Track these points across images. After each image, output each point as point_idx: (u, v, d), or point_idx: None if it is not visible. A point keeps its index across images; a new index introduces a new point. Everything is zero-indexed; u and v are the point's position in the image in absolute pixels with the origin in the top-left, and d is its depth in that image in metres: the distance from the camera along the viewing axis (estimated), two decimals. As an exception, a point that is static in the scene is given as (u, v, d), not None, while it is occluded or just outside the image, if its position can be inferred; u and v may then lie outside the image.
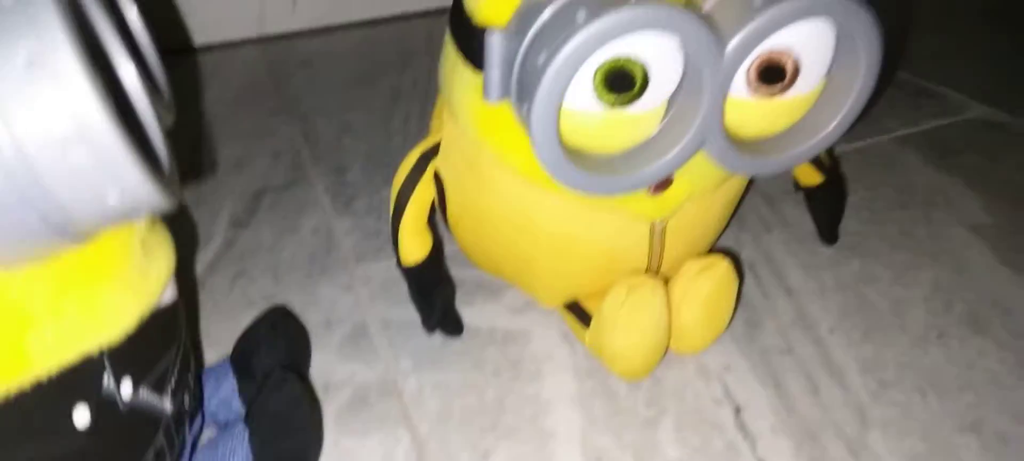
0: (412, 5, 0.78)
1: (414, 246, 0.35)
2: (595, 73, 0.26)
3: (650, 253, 0.33)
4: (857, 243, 0.42)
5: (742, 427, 0.32)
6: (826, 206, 0.42)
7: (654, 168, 0.28)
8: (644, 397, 0.33)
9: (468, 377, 0.35)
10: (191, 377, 0.28)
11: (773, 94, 0.28)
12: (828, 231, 0.42)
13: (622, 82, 0.26)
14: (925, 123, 0.54)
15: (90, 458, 0.22)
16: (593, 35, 0.24)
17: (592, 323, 0.34)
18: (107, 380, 0.22)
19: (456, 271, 0.41)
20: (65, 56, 0.17)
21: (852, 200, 0.46)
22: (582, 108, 0.27)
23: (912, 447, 0.30)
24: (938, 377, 0.34)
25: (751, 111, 0.29)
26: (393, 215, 0.35)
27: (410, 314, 0.38)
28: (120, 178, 0.18)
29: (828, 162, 0.40)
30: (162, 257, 0.25)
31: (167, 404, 0.25)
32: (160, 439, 0.25)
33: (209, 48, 0.70)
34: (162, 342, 0.26)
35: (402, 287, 0.39)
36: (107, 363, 0.22)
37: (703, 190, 0.32)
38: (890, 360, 0.35)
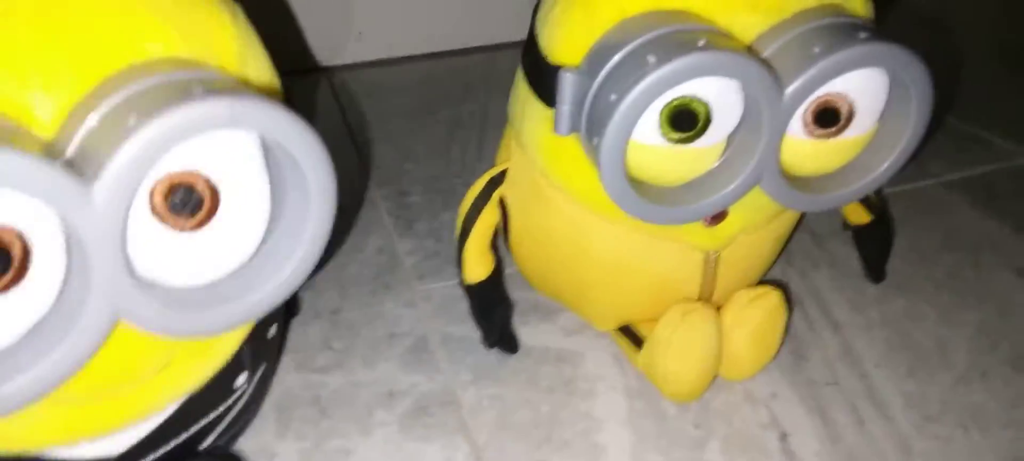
0: (471, 40, 0.81)
1: (478, 266, 0.37)
2: (661, 111, 0.28)
3: (703, 282, 0.35)
4: (903, 282, 0.43)
5: (788, 452, 0.33)
6: (874, 245, 0.43)
7: (712, 201, 0.30)
8: (693, 419, 0.35)
9: (524, 393, 0.37)
10: None
11: (828, 136, 0.30)
12: (875, 269, 0.43)
13: (686, 121, 0.28)
14: (973, 168, 0.55)
15: None
16: (662, 78, 0.26)
17: (645, 345, 0.35)
18: None
19: (515, 293, 0.43)
20: None
21: (899, 241, 0.47)
22: (648, 142, 0.29)
23: (955, 480, 0.31)
24: (980, 414, 0.34)
25: (806, 151, 0.30)
26: (460, 235, 0.37)
27: (469, 330, 0.40)
28: None
29: (876, 202, 0.41)
30: (45, 420, 0.23)
31: None
32: None
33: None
34: None
35: (461, 305, 0.41)
36: None
37: (756, 224, 0.34)
38: (934, 396, 0.36)
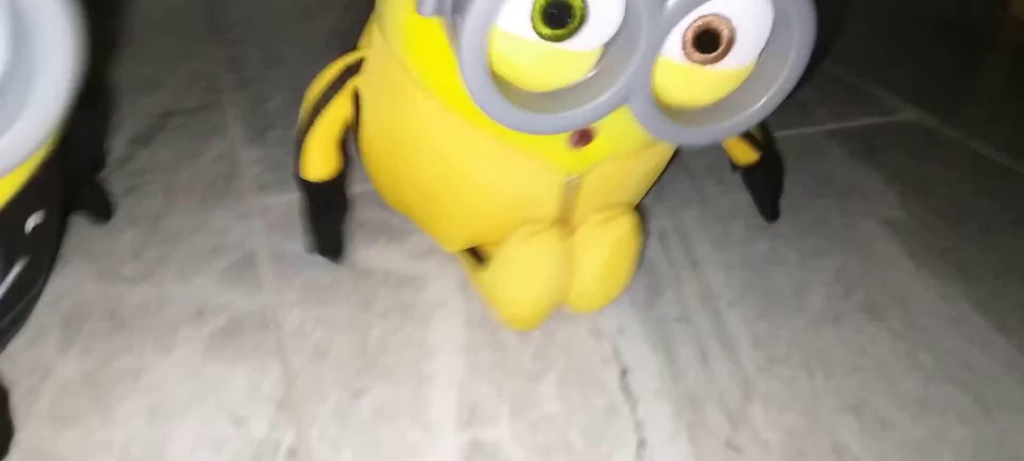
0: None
1: (319, 162, 0.33)
2: (534, 2, 0.25)
3: (561, 207, 0.32)
4: (769, 226, 0.42)
5: (626, 389, 0.31)
6: (764, 184, 0.42)
7: (577, 113, 0.27)
8: (532, 350, 0.32)
9: (354, 316, 0.33)
10: None
11: (705, 62, 0.28)
12: (769, 209, 0.42)
13: (560, 15, 0.25)
14: (856, 120, 0.54)
15: None
16: None
17: (487, 265, 0.33)
18: None
19: (364, 212, 0.39)
20: None
21: (773, 184, 0.45)
22: (516, 33, 0.26)
23: (792, 422, 0.30)
24: (827, 358, 0.33)
25: (681, 77, 0.28)
26: (304, 125, 0.33)
27: (301, 250, 0.36)
28: None
29: (763, 139, 0.40)
30: None
31: None
32: None
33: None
34: None
35: (299, 221, 0.37)
36: None
37: (624, 152, 0.31)
38: (783, 338, 0.34)
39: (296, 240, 0.37)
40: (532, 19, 0.26)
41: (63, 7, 0.19)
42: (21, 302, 0.26)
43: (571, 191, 0.32)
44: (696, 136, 0.29)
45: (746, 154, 0.40)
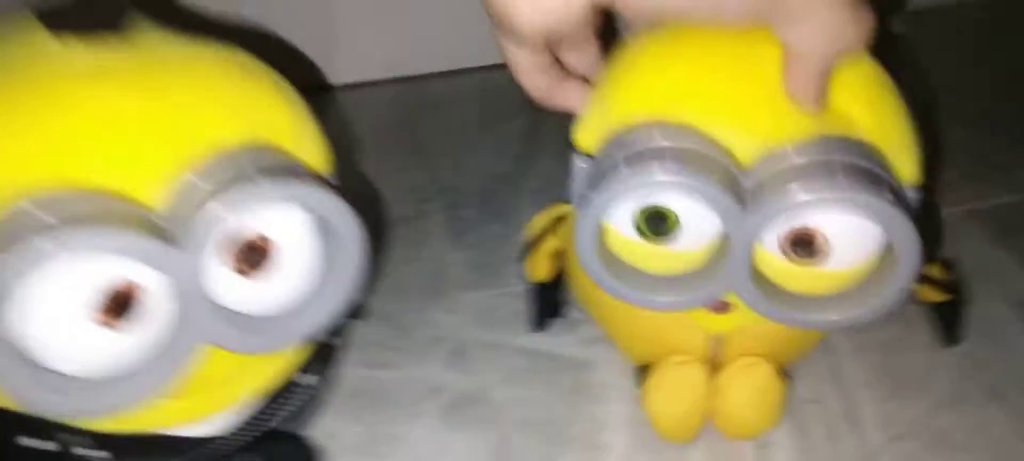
0: (529, 53, 0.87)
1: (540, 270, 0.44)
2: (635, 212, 0.33)
3: (709, 356, 0.38)
4: (903, 310, 0.47)
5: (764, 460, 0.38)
6: (948, 316, 0.44)
7: (689, 298, 0.33)
8: (686, 426, 0.40)
9: (544, 395, 0.43)
10: None
11: (805, 263, 0.32)
12: (950, 337, 0.44)
13: (657, 223, 0.33)
14: (997, 198, 0.57)
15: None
16: (626, 186, 0.31)
17: (645, 382, 0.40)
18: (86, 444, 0.30)
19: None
20: None
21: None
22: (626, 235, 0.34)
23: (910, 493, 0.36)
24: (947, 437, 0.39)
25: (786, 271, 0.33)
26: (526, 247, 0.44)
27: (501, 337, 0.46)
28: None
29: (949, 281, 0.42)
30: (173, 408, 0.30)
31: None
32: None
33: (349, 87, 0.82)
34: (163, 451, 0.31)
35: (496, 314, 0.48)
36: (89, 437, 0.30)
37: (763, 321, 0.35)
38: (907, 418, 0.40)
39: (493, 331, 0.47)
40: (636, 224, 0.33)
41: (358, 226, 0.30)
42: (326, 393, 0.38)
43: (718, 346, 0.38)
44: (807, 321, 0.34)
45: (934, 296, 0.43)
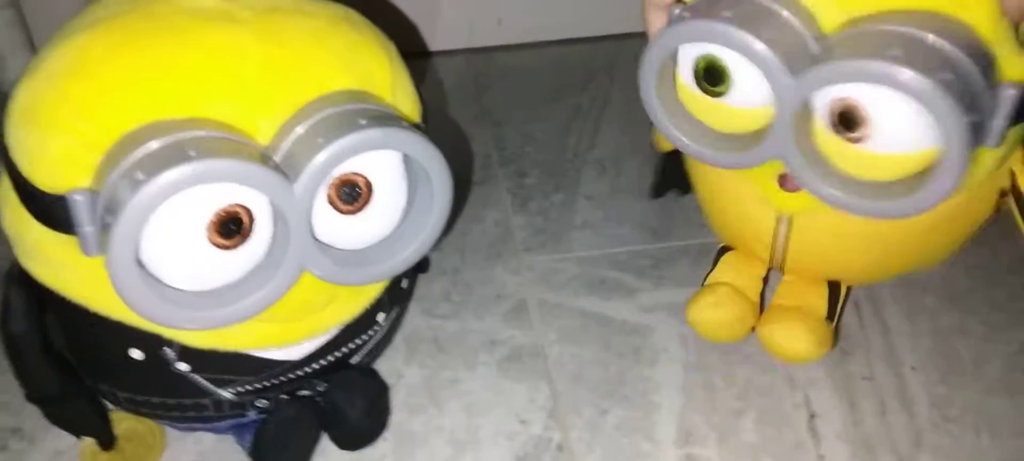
0: (598, 29, 0.88)
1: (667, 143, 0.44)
2: (696, 64, 0.33)
3: (774, 243, 0.39)
4: (962, 298, 0.47)
5: (812, 430, 0.39)
6: None
7: (734, 158, 0.34)
8: (736, 392, 0.42)
9: (599, 354, 0.45)
10: (288, 395, 0.36)
11: (851, 140, 0.32)
12: None
13: (712, 75, 0.33)
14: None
15: (138, 373, 0.33)
16: (684, 28, 0.32)
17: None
18: (168, 352, 0.32)
19: (600, 272, 0.51)
20: None
21: (973, 260, 0.50)
22: (690, 85, 0.35)
23: (956, 472, 0.37)
24: (997, 422, 0.39)
25: (837, 148, 0.32)
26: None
27: (561, 298, 0.48)
28: None
29: None
30: (267, 330, 0.33)
31: (225, 394, 0.34)
32: (206, 401, 0.34)
33: (424, 54, 0.85)
34: (241, 371, 0.34)
35: (557, 277, 0.50)
36: (177, 347, 0.32)
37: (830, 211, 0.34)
38: (958, 401, 0.40)
39: (554, 292, 0.49)
40: (696, 73, 0.34)
41: (448, 173, 0.32)
42: (394, 333, 0.41)
43: (784, 229, 0.39)
44: (850, 204, 0.32)
45: None
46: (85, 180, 0.29)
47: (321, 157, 0.29)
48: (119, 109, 0.29)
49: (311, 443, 0.38)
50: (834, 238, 0.38)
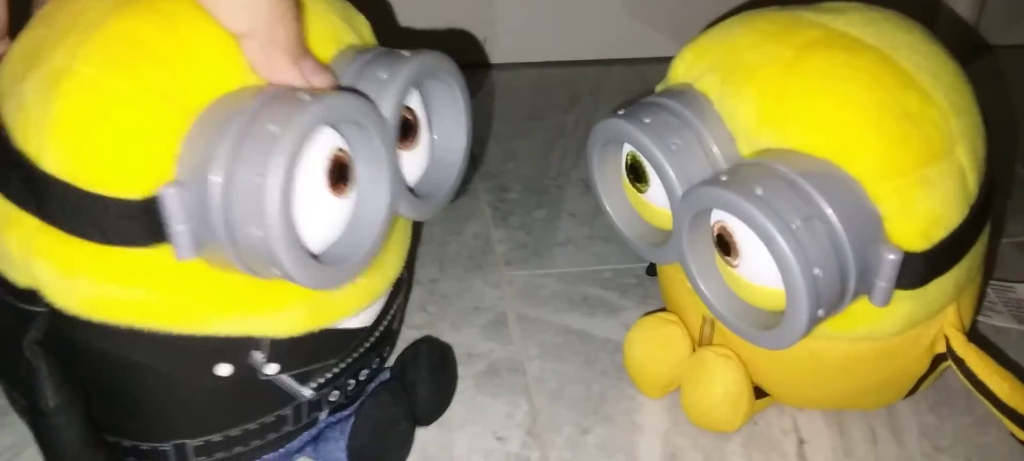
0: (584, 53, 0.87)
1: None
2: (627, 155, 0.35)
3: (701, 337, 0.39)
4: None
5: (802, 456, 0.38)
6: None
7: (644, 248, 0.37)
8: (722, 416, 0.40)
9: (581, 372, 0.43)
10: (354, 380, 0.35)
11: (726, 261, 0.32)
12: None
13: (635, 170, 0.35)
14: (1053, 233, 0.56)
15: (220, 397, 0.31)
16: (606, 125, 0.34)
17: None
18: (257, 356, 0.31)
19: (585, 288, 0.49)
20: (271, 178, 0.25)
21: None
22: (624, 176, 0.37)
23: (950, 504, 0.35)
24: (988, 453, 0.38)
25: (722, 266, 0.33)
26: None
27: (542, 313, 0.47)
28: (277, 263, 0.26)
29: None
30: (354, 292, 0.32)
31: (306, 392, 0.33)
32: (287, 411, 0.33)
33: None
34: (325, 353, 0.33)
35: (539, 292, 0.48)
36: (267, 346, 0.31)
37: None
38: (949, 432, 0.39)
39: (535, 307, 0.47)
40: (626, 169, 0.36)
41: (462, 79, 0.34)
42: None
43: (708, 329, 0.38)
44: (721, 316, 0.33)
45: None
46: (169, 174, 0.27)
47: (399, 81, 0.29)
48: (188, 88, 0.27)
49: (409, 433, 0.37)
50: (750, 351, 0.37)
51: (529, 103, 0.77)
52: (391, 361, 0.40)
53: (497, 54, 0.86)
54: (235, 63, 0.28)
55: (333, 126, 0.28)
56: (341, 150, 0.29)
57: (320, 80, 0.28)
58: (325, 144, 0.28)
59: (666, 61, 0.38)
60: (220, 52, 0.27)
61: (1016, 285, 0.49)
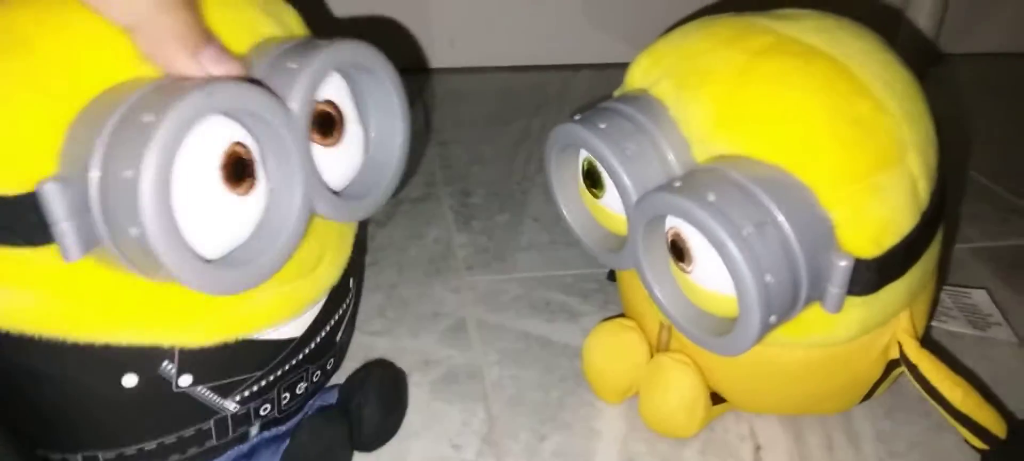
0: (550, 58, 0.87)
1: None
2: (584, 161, 0.35)
3: (658, 343, 0.38)
4: (907, 335, 0.46)
5: (758, 462, 0.38)
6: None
7: (603, 253, 0.36)
8: (680, 422, 0.40)
9: (540, 378, 0.42)
10: (288, 393, 0.34)
11: (680, 267, 0.32)
12: None
13: (591, 176, 0.35)
14: (1006, 240, 0.57)
15: (130, 409, 0.29)
16: (563, 130, 0.34)
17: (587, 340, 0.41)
18: (167, 367, 0.29)
19: (545, 294, 0.49)
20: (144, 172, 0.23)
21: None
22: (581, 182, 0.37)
23: (903, 510, 0.35)
24: (943, 458, 0.38)
25: (677, 272, 0.33)
26: None
27: (502, 319, 0.46)
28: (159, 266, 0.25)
29: (997, 427, 0.34)
30: (276, 300, 0.31)
31: (230, 405, 0.31)
32: (208, 425, 0.31)
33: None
34: (246, 365, 0.31)
35: (499, 297, 0.48)
36: (175, 356, 0.29)
37: None
38: (905, 437, 0.39)
39: (496, 313, 0.47)
40: (583, 174, 0.36)
41: (392, 67, 0.31)
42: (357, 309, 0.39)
43: (665, 336, 0.38)
44: (677, 322, 0.33)
45: (978, 443, 0.35)
46: (49, 168, 0.25)
47: (308, 72, 0.27)
48: (72, 80, 0.26)
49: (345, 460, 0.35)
50: (706, 357, 0.36)
51: (495, 107, 0.77)
52: (343, 377, 0.39)
53: (463, 58, 0.85)
54: (129, 54, 0.27)
55: (236, 118, 0.27)
56: (240, 145, 0.27)
57: (220, 69, 0.27)
58: (219, 137, 0.26)
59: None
60: (111, 43, 0.26)
61: (971, 291, 0.50)
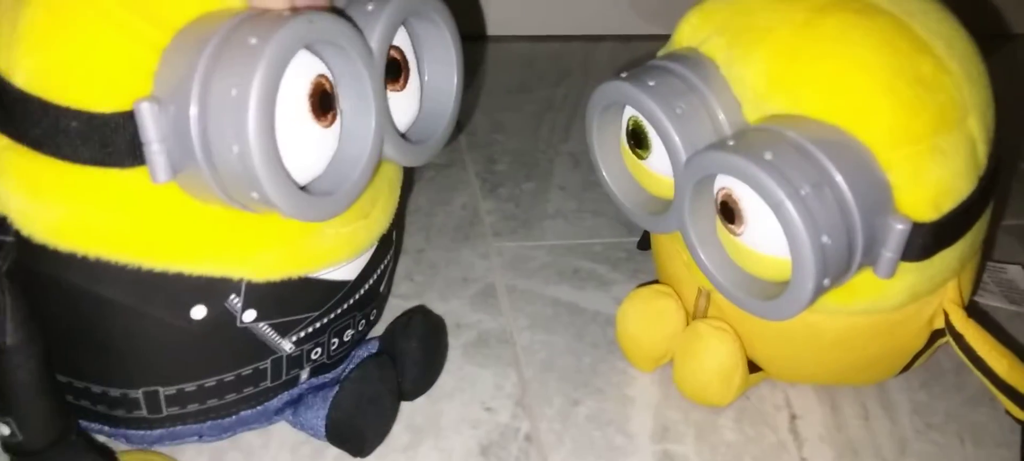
0: (574, 28, 0.86)
1: None
2: (628, 121, 0.34)
3: (695, 310, 0.38)
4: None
5: (794, 431, 0.37)
6: None
7: (645, 217, 0.36)
8: (714, 390, 0.39)
9: (571, 344, 0.42)
10: (337, 338, 0.34)
11: (730, 229, 0.31)
12: None
13: (636, 137, 0.34)
14: (1040, 217, 0.56)
15: (196, 342, 0.29)
16: (609, 87, 0.32)
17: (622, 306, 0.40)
18: (234, 301, 0.29)
19: (579, 262, 0.48)
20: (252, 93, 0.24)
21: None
22: (625, 143, 0.36)
23: (942, 481, 0.35)
24: (981, 431, 0.38)
25: (725, 235, 0.32)
26: None
27: (531, 285, 0.46)
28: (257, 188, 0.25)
29: None
30: (337, 241, 0.31)
31: (286, 345, 0.31)
32: (265, 364, 0.31)
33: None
34: (305, 304, 0.31)
35: (528, 263, 0.47)
36: (242, 289, 0.29)
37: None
38: (940, 409, 0.39)
39: (525, 279, 0.47)
40: (627, 135, 0.34)
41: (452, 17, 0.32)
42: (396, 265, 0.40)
43: (703, 302, 0.37)
44: (723, 288, 0.32)
45: (1020, 414, 0.34)
46: (146, 89, 0.25)
47: (388, 13, 0.28)
48: (166, 5, 0.26)
49: (393, 409, 0.36)
50: (745, 325, 0.36)
51: (518, 76, 0.76)
52: (380, 330, 0.39)
53: (487, 27, 0.84)
54: None
55: (317, 54, 0.27)
56: (324, 76, 0.27)
57: (305, 2, 0.27)
58: (308, 68, 0.26)
59: (656, 38, 0.37)
60: None
61: (1008, 266, 0.49)
